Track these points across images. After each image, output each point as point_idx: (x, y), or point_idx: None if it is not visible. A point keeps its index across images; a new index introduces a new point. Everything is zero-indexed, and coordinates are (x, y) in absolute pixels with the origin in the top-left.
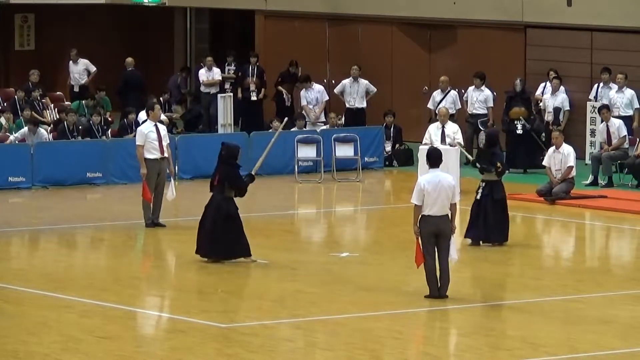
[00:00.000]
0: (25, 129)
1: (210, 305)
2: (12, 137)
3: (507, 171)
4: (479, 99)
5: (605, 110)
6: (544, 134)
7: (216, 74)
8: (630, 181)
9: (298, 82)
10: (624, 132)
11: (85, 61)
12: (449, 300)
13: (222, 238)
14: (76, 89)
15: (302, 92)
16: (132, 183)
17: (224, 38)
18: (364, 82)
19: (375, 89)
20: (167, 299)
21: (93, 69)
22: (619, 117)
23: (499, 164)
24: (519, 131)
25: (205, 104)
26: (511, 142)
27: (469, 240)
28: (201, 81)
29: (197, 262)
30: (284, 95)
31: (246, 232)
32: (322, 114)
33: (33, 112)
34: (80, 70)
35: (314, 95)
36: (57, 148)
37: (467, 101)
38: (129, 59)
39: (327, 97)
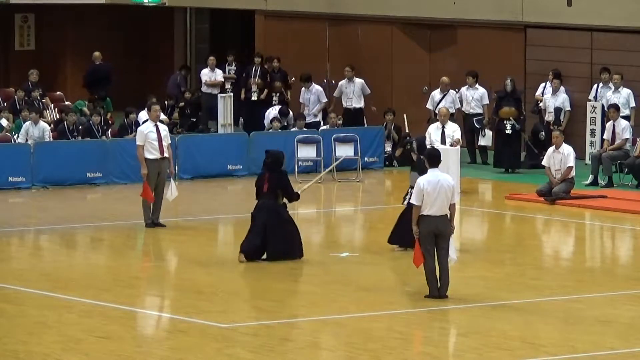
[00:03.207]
0: (29, 121)
1: (210, 305)
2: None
3: None
4: (475, 97)
5: (613, 110)
6: (543, 133)
7: (218, 75)
8: (630, 181)
9: (300, 81)
10: (627, 135)
11: None
12: (449, 300)
13: (281, 239)
14: None
15: (302, 90)
16: (132, 183)
17: (224, 38)
18: (359, 81)
19: (369, 91)
20: (167, 299)
21: None
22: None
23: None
24: (508, 131)
25: (206, 104)
26: (499, 142)
27: (396, 247)
28: (203, 81)
29: (197, 262)
30: (274, 98)
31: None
32: (320, 115)
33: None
34: None
35: (310, 96)
36: (57, 148)
37: (461, 102)
38: (96, 53)
39: (325, 99)
